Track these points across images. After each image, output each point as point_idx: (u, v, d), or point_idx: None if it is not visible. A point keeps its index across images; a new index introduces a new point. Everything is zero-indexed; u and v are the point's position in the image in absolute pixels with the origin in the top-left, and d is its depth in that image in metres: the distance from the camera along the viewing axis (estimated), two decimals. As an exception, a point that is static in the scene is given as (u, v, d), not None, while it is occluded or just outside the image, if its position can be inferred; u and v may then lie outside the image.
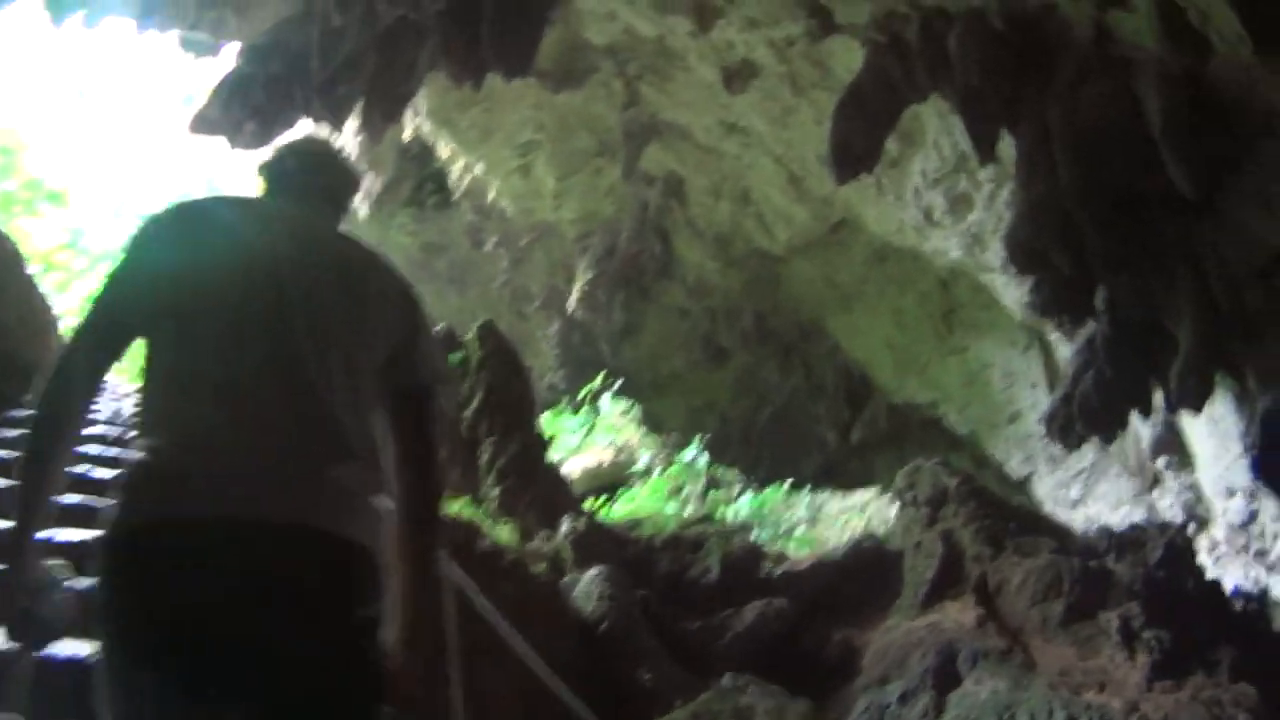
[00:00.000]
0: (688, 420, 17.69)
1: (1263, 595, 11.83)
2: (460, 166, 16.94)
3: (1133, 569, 9.81)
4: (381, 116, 12.68)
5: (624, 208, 16.61)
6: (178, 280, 3.46)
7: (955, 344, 16.54)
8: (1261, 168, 9.33)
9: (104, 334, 3.48)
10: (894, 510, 14.39)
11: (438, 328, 12.12)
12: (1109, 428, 11.14)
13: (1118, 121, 9.49)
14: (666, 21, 12.58)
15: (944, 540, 10.19)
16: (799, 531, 14.12)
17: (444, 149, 16.88)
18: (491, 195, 16.88)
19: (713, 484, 15.37)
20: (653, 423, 16.71)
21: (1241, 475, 12.10)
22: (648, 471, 15.25)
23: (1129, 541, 10.70)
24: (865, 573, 10.51)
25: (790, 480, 16.35)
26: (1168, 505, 14.39)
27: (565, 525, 10.48)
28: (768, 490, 15.46)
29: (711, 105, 14.17)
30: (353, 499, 3.38)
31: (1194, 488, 14.00)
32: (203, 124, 12.53)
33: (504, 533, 9.31)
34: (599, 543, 10.28)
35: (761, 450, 18.00)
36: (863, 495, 15.75)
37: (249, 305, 3.45)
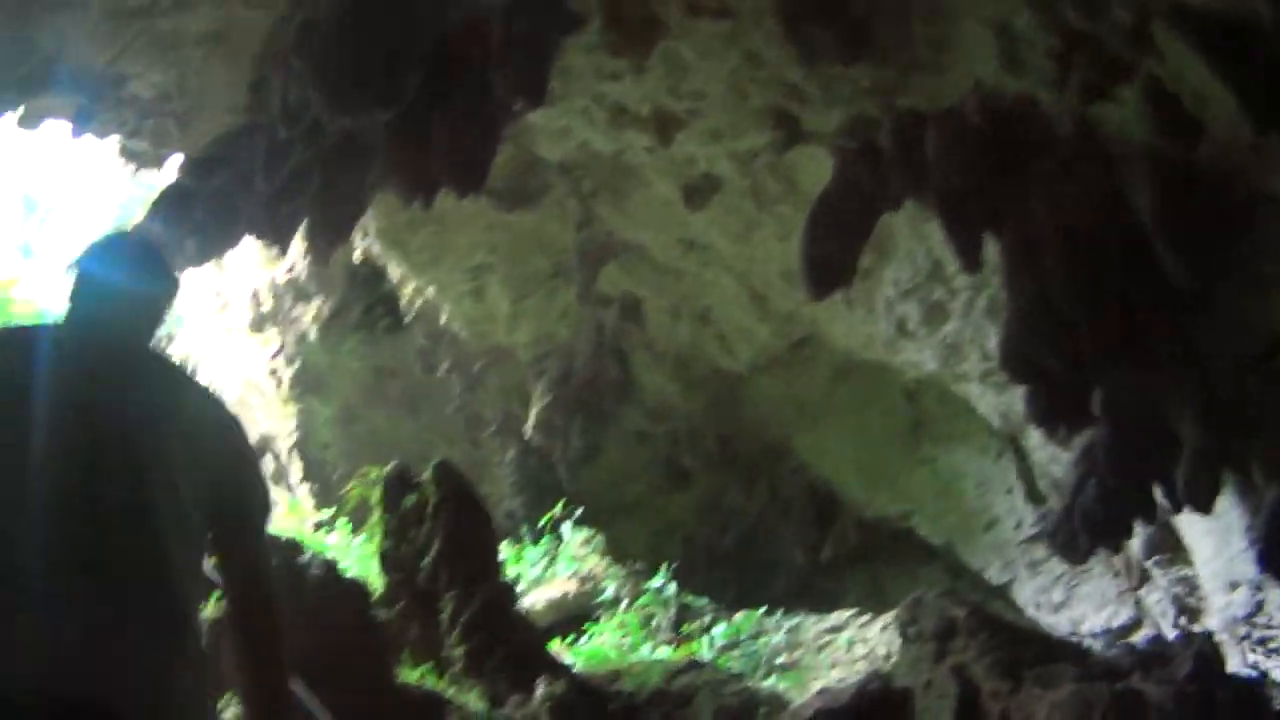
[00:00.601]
0: (650, 545, 16.90)
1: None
2: (411, 289, 16.23)
3: (1161, 686, 9.19)
4: (328, 237, 11.91)
5: (580, 330, 15.94)
6: None
7: (924, 455, 16.04)
8: (1254, 251, 9.05)
9: None
10: (876, 631, 13.77)
11: (391, 464, 11.33)
12: (1114, 538, 10.66)
13: (1105, 217, 9.12)
14: (623, 137, 12.00)
15: (957, 677, 9.41)
16: (779, 660, 13.33)
17: (395, 271, 16.17)
18: (444, 319, 16.16)
19: (683, 612, 14.60)
20: (616, 551, 15.93)
21: (1246, 568, 11.77)
22: (615, 602, 14.46)
23: (1154, 657, 10.07)
24: (873, 715, 9.66)
25: (761, 604, 15.64)
26: (1155, 601, 14.18)
27: (541, 688, 9.45)
28: (739, 617, 14.72)
29: (669, 223, 13.61)
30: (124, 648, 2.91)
31: (1185, 581, 13.76)
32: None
33: (472, 698, 8.53)
34: (579, 705, 9.30)
35: (728, 574, 17.28)
36: (839, 616, 15.09)
37: (54, 443, 3.05)
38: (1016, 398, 12.74)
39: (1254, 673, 11.88)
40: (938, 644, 10.10)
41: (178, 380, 3.54)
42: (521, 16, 9.26)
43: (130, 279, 3.62)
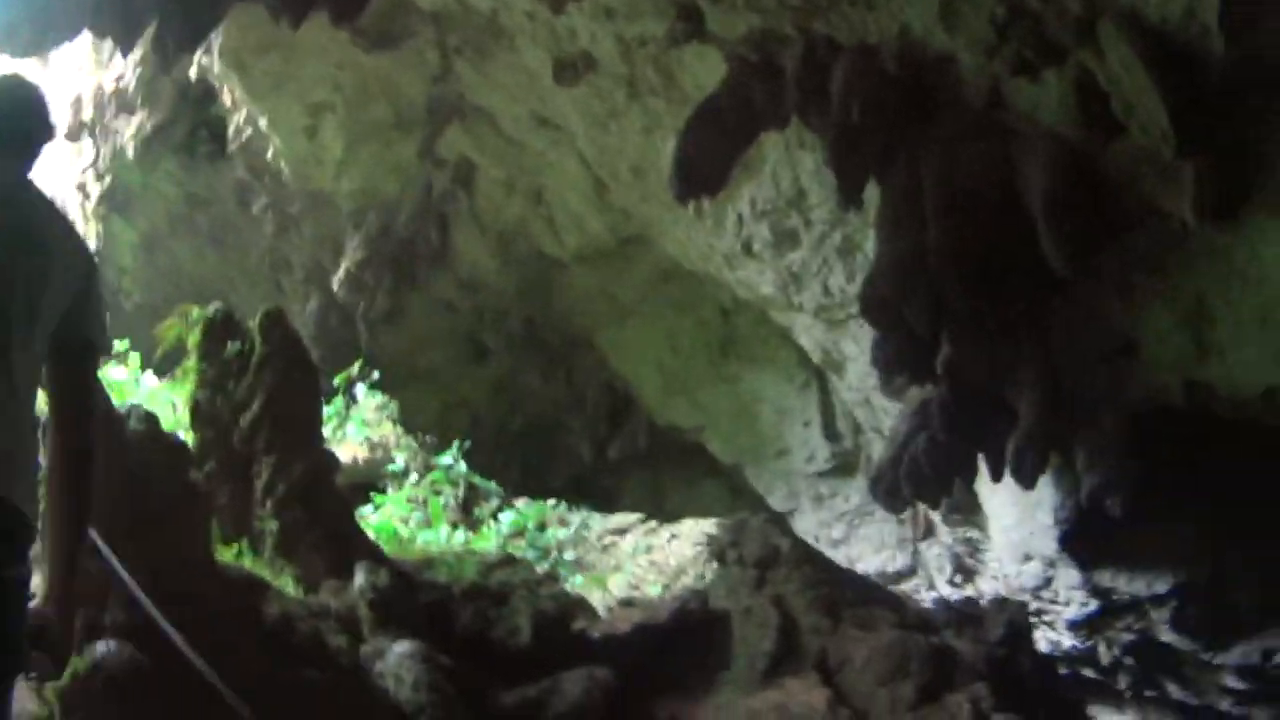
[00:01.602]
0: (440, 418, 16.23)
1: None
2: (242, 117, 15.10)
3: (975, 645, 9.17)
4: (177, 44, 10.84)
5: (408, 188, 15.05)
6: None
7: (729, 373, 15.72)
8: (1130, 259, 9.09)
9: None
10: (663, 539, 13.45)
11: (215, 307, 10.18)
12: (937, 493, 10.54)
13: (993, 187, 8.89)
14: (505, -6, 11.23)
15: (777, 608, 9.09)
16: (567, 556, 12.87)
17: (228, 95, 15.01)
18: (269, 153, 15.07)
19: (470, 493, 14.00)
20: (409, 421, 15.20)
21: (1046, 544, 12.10)
22: (404, 473, 13.75)
23: (966, 617, 10.08)
24: (691, 638, 9.22)
25: (541, 493, 15.03)
26: (934, 555, 14.42)
27: (361, 577, 8.39)
28: (523, 505, 14.22)
29: (528, 94, 12.83)
30: (11, 456, 3.26)
31: (969, 542, 13.93)
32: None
33: (288, 582, 7.77)
34: (399, 599, 8.47)
35: (511, 458, 16.78)
36: (624, 518, 14.69)
37: None
38: (844, 337, 12.56)
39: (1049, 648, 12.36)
40: (759, 571, 9.81)
41: (48, 210, 3.65)
42: None
43: (12, 120, 3.76)
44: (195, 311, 10.20)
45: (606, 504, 15.66)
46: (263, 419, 9.16)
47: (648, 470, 17.30)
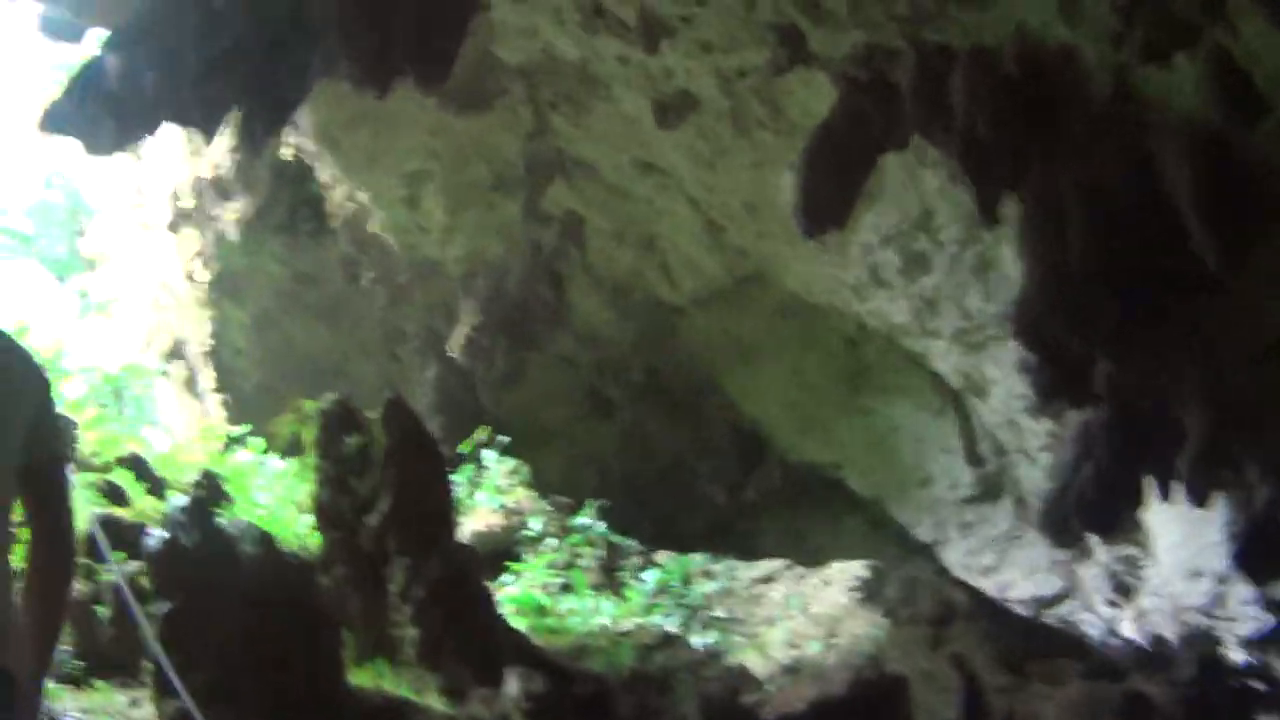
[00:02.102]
0: (566, 475, 15.76)
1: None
2: (341, 193, 14.75)
3: (1166, 688, 8.36)
4: (264, 126, 10.32)
5: (515, 248, 14.54)
6: None
7: (861, 405, 14.91)
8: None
9: None
10: (812, 585, 12.83)
11: (329, 399, 9.58)
12: (1108, 522, 9.70)
13: (1135, 185, 8.08)
14: (595, 43, 10.66)
15: (958, 669, 8.35)
16: (717, 612, 12.23)
17: (324, 172, 14.67)
18: (373, 226, 14.69)
19: (610, 552, 13.48)
20: (540, 482, 14.73)
21: (1215, 560, 11.40)
22: (540, 537, 13.27)
23: (1153, 657, 9.27)
24: (870, 709, 8.46)
25: (677, 542, 14.77)
26: (1091, 575, 13.35)
27: (514, 685, 7.74)
28: (665, 560, 13.67)
29: (629, 141, 12.27)
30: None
31: (1127, 560, 12.95)
32: (54, 121, 10.11)
33: (433, 700, 7.15)
34: (556, 702, 7.73)
35: (644, 509, 16.19)
36: (768, 565, 14.15)
37: None
38: (985, 360, 11.83)
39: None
40: (933, 629, 9.08)
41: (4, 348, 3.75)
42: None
43: None
44: (309, 405, 9.69)
45: (745, 549, 15.09)
46: (392, 517, 8.58)
47: (785, 511, 16.45)
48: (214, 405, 17.35)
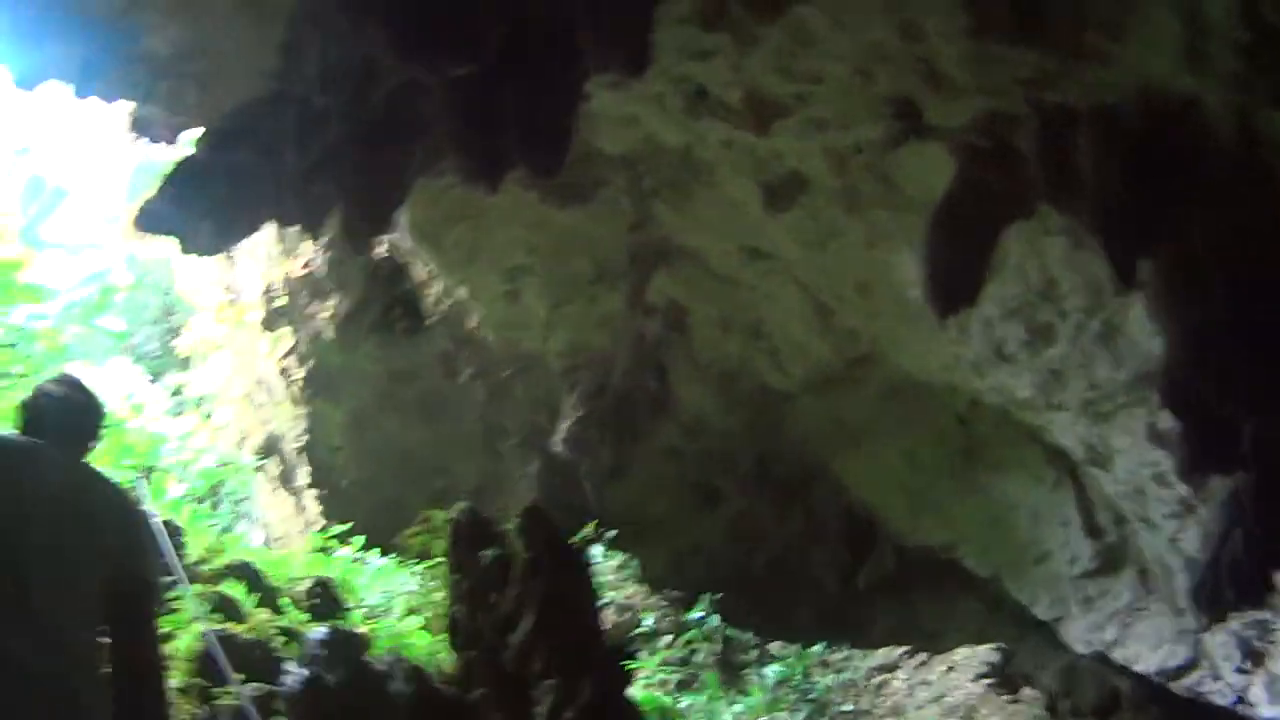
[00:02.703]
0: (673, 567, 15.28)
1: None
2: (439, 289, 14.50)
3: None
4: (366, 224, 10.04)
5: (619, 339, 14.24)
6: None
7: (975, 482, 14.55)
8: None
9: None
10: (936, 673, 12.33)
11: (460, 508, 9.13)
12: (1261, 592, 9.14)
13: (1273, 235, 7.73)
14: (698, 128, 10.35)
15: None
16: (845, 708, 11.70)
17: (420, 269, 14.46)
18: (472, 322, 14.46)
19: (725, 645, 13.00)
20: (651, 579, 14.33)
21: None
22: (654, 634, 12.83)
23: None
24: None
25: (788, 631, 14.17)
26: (1220, 643, 12.94)
27: None
28: (779, 649, 13.21)
29: (734, 228, 11.91)
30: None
31: (1259, 625, 12.54)
32: (150, 220, 9.95)
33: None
34: None
35: (754, 599, 15.70)
36: (888, 653, 13.66)
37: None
38: (1112, 430, 11.39)
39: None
40: (1098, 720, 8.53)
41: (88, 483, 4.16)
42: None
43: (66, 416, 4.38)
44: (438, 516, 9.29)
45: (858, 636, 14.50)
46: (537, 635, 7.97)
47: (897, 595, 15.96)
48: (310, 501, 17.13)
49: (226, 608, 9.30)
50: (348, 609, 10.75)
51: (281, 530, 19.00)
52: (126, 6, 8.79)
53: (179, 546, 10.06)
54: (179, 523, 10.81)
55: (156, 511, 9.35)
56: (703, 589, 14.12)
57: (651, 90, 9.93)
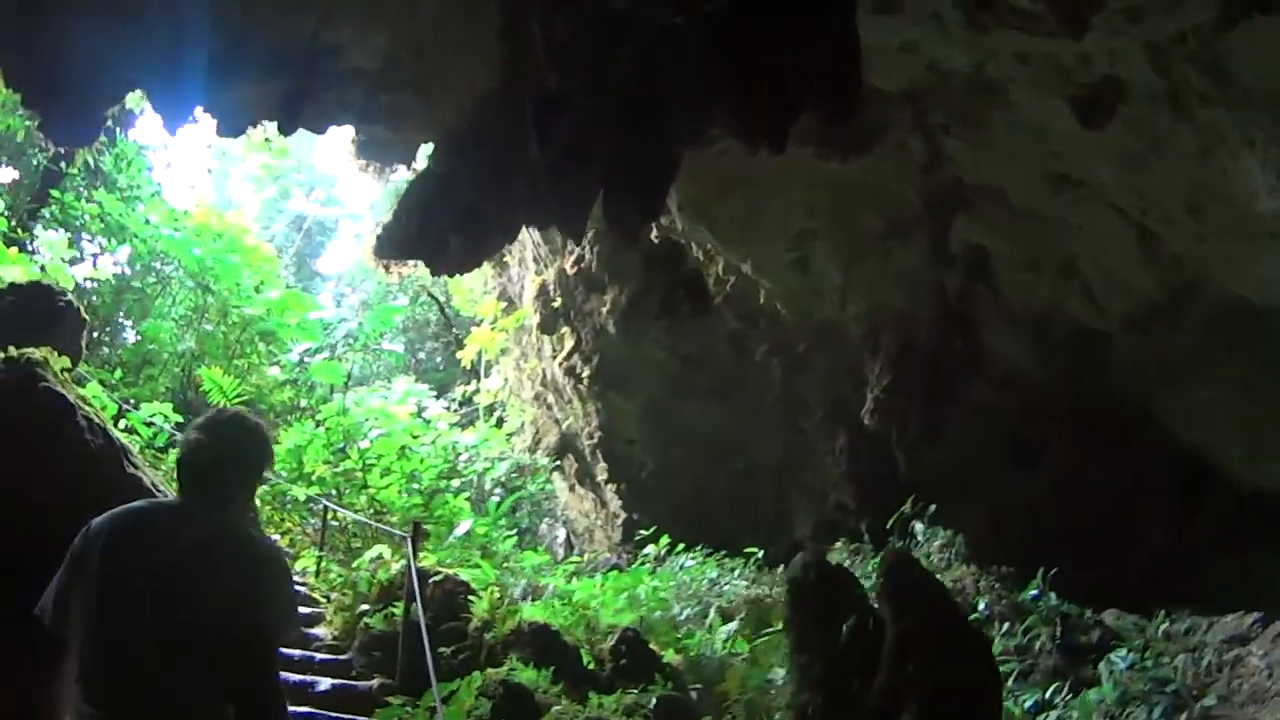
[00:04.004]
0: (993, 531, 13.86)
1: None
2: (720, 267, 13.52)
3: None
4: (638, 210, 8.99)
5: (919, 296, 12.93)
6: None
7: (1329, 412, 12.34)
8: None
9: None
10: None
11: (802, 560, 7.22)
12: None
13: None
14: (986, 43, 9.00)
15: None
16: (1207, 701, 10.01)
17: (698, 249, 13.49)
18: (761, 297, 13.38)
19: (1064, 625, 11.47)
20: (971, 547, 12.98)
21: None
22: (989, 619, 11.44)
23: None
24: None
25: (1114, 596, 12.60)
26: None
27: None
28: (1124, 630, 11.61)
29: (1038, 154, 10.46)
30: None
31: None
32: (390, 246, 9.19)
33: None
34: None
35: (1080, 560, 14.14)
36: (1236, 621, 11.70)
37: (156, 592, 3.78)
38: None
39: None
40: None
41: (237, 544, 4.04)
42: None
43: (227, 457, 4.16)
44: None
45: (1195, 597, 12.66)
46: (899, 689, 6.26)
47: (1233, 550, 13.91)
48: (610, 495, 16.58)
49: (510, 707, 8.48)
50: (660, 663, 9.97)
51: (584, 525, 18.56)
52: (316, 26, 8.02)
53: (461, 608, 9.42)
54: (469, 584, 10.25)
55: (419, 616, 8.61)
56: (1026, 552, 12.70)
57: (927, 8, 8.66)
